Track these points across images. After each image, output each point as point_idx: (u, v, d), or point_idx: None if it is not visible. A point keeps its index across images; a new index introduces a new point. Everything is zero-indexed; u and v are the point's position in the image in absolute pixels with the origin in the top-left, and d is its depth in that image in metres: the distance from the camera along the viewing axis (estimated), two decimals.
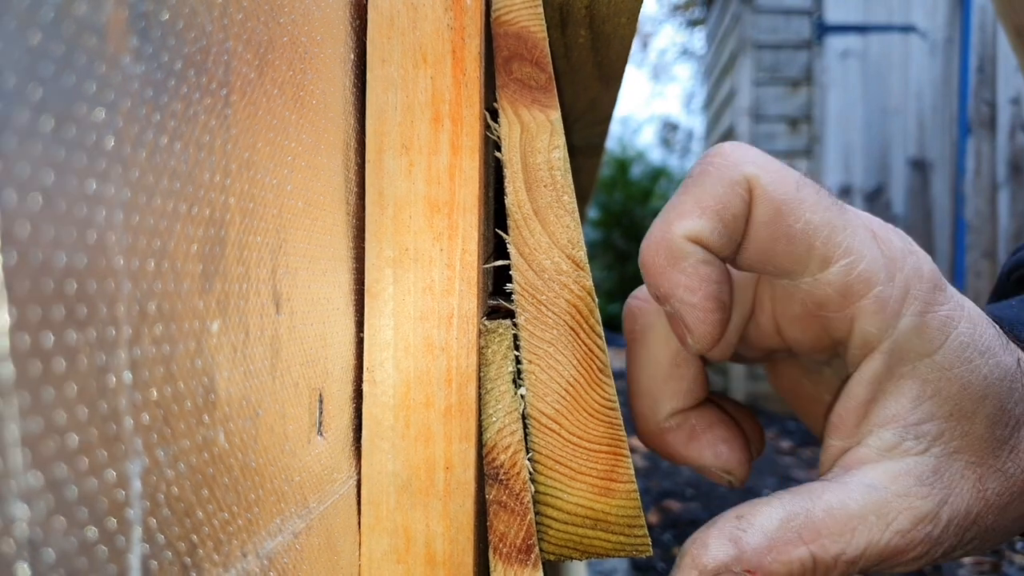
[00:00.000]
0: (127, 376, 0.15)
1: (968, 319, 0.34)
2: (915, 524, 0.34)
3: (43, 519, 0.12)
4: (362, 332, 0.32)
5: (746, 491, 2.51)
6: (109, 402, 0.14)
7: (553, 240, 0.34)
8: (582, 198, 1.13)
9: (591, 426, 0.34)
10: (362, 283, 0.32)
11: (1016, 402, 0.34)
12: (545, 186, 0.34)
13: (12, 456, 0.12)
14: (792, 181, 0.32)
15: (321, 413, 0.28)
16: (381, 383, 0.32)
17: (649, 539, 0.34)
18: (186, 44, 0.17)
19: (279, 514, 0.24)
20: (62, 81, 0.13)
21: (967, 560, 1.94)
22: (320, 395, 0.28)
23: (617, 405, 0.34)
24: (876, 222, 0.35)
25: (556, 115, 0.34)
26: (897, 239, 0.34)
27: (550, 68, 0.34)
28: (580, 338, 0.34)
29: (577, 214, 0.34)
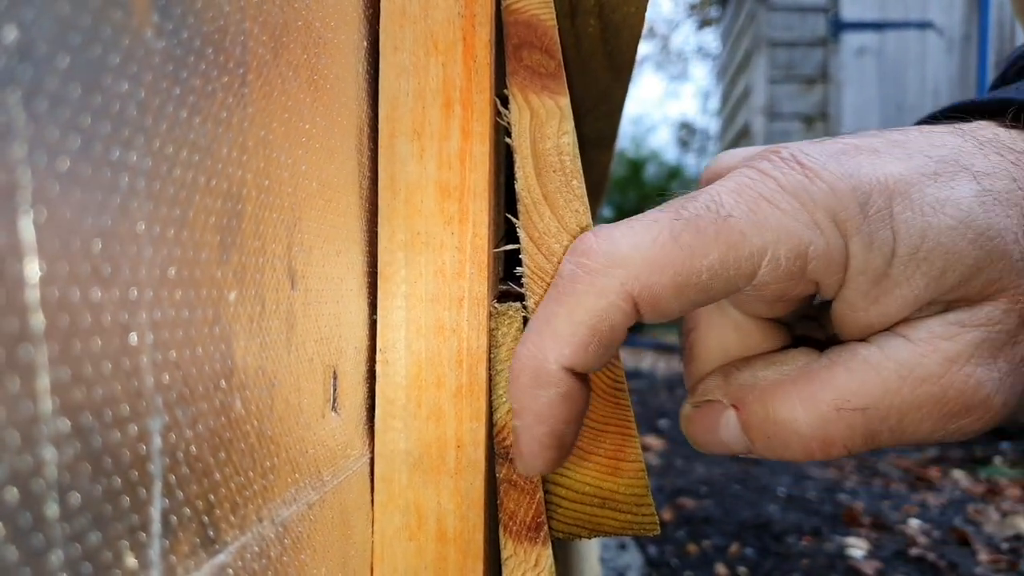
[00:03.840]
0: (149, 336, 0.16)
1: (896, 191, 0.30)
2: (948, 366, 0.30)
3: (71, 463, 0.13)
4: (375, 314, 0.33)
5: (761, 489, 2.51)
6: (132, 359, 0.15)
7: (562, 224, 0.34)
8: (595, 193, 1.13)
9: (599, 407, 0.35)
10: (375, 266, 0.33)
11: (1011, 206, 0.31)
12: (554, 171, 0.34)
13: (43, 402, 0.12)
14: (670, 245, 0.30)
15: (335, 390, 0.29)
16: (393, 363, 0.33)
17: (656, 518, 0.35)
18: (204, 23, 0.18)
19: (294, 484, 0.24)
20: (89, 51, 0.14)
21: (984, 558, 1.93)
22: (335, 372, 0.29)
23: (625, 387, 0.35)
24: (766, 178, 0.31)
25: (565, 101, 0.34)
26: (795, 174, 0.31)
27: (559, 55, 0.35)
28: None
29: (586, 199, 0.35)
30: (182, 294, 0.17)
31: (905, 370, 0.31)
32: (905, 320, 0.32)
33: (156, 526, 0.16)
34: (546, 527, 0.33)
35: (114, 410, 0.14)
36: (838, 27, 4.36)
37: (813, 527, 2.11)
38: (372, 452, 0.33)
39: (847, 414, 0.31)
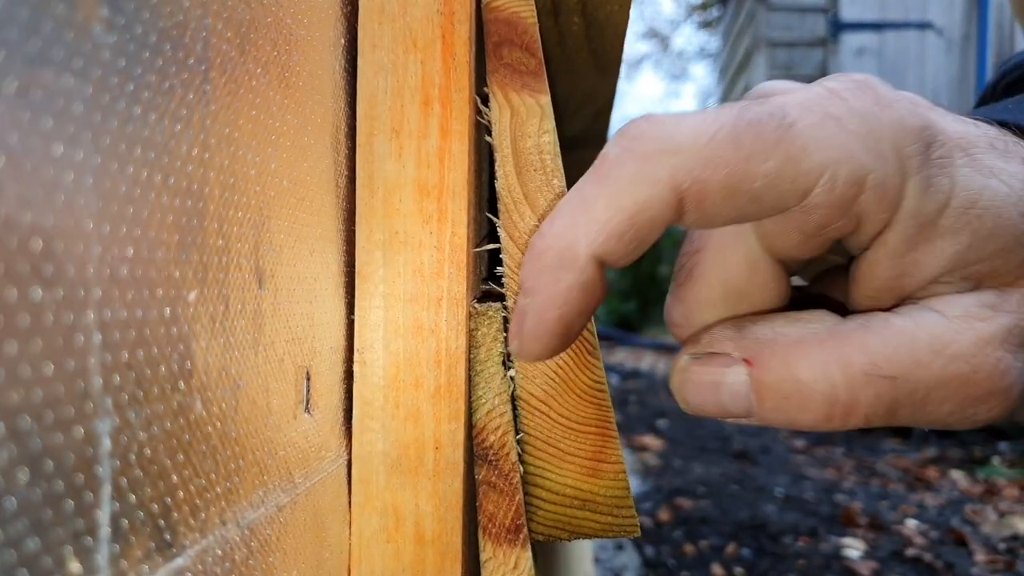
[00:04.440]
0: (96, 336, 0.15)
1: (958, 145, 0.30)
2: (981, 347, 0.29)
3: (5, 467, 0.13)
4: (353, 314, 0.33)
5: (758, 489, 2.50)
6: (77, 360, 0.15)
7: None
8: None
9: (580, 407, 0.34)
10: (353, 265, 0.33)
11: None
12: (535, 170, 0.34)
13: None
14: (728, 142, 0.28)
15: (308, 391, 0.29)
16: (371, 364, 0.32)
17: (637, 520, 0.34)
18: (161, 18, 0.18)
19: (261, 486, 0.24)
20: (28, 46, 0.13)
21: (980, 558, 1.93)
22: (308, 373, 0.28)
23: (606, 387, 0.35)
24: (836, 98, 0.30)
25: (546, 99, 0.34)
26: (866, 99, 0.30)
27: (540, 53, 0.34)
28: None
29: None
30: (135, 294, 0.17)
31: (939, 344, 0.30)
32: (937, 294, 0.30)
33: (104, 530, 0.16)
34: (526, 529, 0.33)
35: (56, 412, 0.14)
36: (838, 27, 4.36)
37: (810, 527, 2.11)
38: (350, 454, 0.32)
39: (876, 380, 0.29)
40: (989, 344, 0.29)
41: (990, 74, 4.08)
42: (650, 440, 3.36)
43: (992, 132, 0.31)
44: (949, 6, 4.25)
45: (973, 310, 0.30)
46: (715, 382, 0.30)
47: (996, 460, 3.10)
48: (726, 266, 0.33)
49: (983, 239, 0.29)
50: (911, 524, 2.21)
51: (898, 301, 0.31)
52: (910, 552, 1.93)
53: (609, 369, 6.68)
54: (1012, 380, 0.30)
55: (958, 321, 0.29)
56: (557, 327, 0.29)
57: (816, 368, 0.29)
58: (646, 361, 7.53)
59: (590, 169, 0.29)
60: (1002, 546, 2.04)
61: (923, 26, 4.25)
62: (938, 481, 2.77)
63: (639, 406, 4.38)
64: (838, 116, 0.29)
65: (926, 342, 0.29)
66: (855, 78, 0.30)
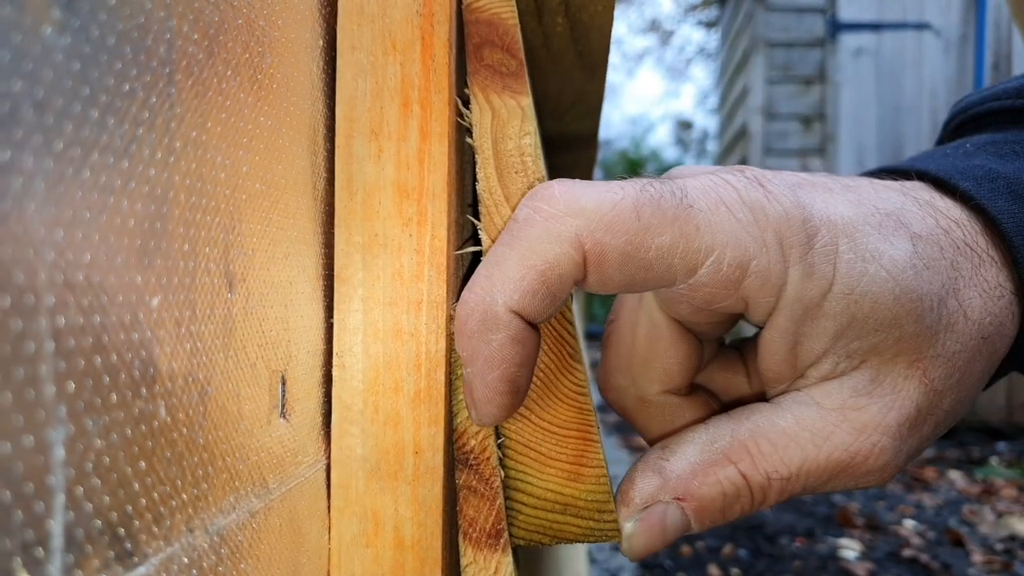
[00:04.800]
0: (49, 344, 0.15)
1: (843, 232, 0.32)
2: (856, 436, 0.33)
3: None
4: (331, 317, 0.32)
5: None
6: (27, 368, 0.15)
7: None
8: None
9: (561, 411, 0.34)
10: (331, 268, 0.32)
11: (935, 274, 0.33)
12: (516, 172, 0.34)
13: None
14: (630, 212, 0.30)
15: (284, 395, 0.28)
16: (350, 368, 0.32)
17: (619, 524, 0.34)
18: (120, 20, 0.18)
19: (233, 492, 0.24)
20: None
21: (977, 559, 1.92)
22: (283, 377, 0.28)
23: (588, 391, 0.34)
24: (730, 188, 0.32)
25: (527, 101, 0.34)
26: (756, 192, 0.32)
27: (521, 55, 0.34)
28: (551, 324, 0.34)
29: None
30: (92, 300, 0.17)
31: (819, 439, 0.34)
32: (823, 378, 0.34)
33: (57, 540, 0.15)
34: (506, 534, 0.33)
35: (4, 421, 0.14)
36: (835, 28, 4.35)
37: (807, 528, 2.11)
38: (329, 458, 0.32)
39: (777, 482, 0.34)
40: (862, 432, 0.33)
41: (988, 74, 4.08)
42: (642, 441, 3.36)
43: (885, 209, 0.34)
44: (947, 7, 4.25)
45: (850, 400, 0.33)
46: (660, 529, 0.34)
47: (994, 460, 3.10)
48: (633, 334, 0.37)
49: (861, 321, 0.32)
50: (908, 524, 2.21)
51: (793, 373, 0.34)
52: (907, 553, 1.93)
53: None
54: (886, 460, 0.34)
55: (835, 414, 0.34)
56: (502, 386, 0.31)
57: (734, 483, 0.34)
58: None
59: (504, 231, 0.31)
60: (999, 546, 2.03)
61: (921, 27, 4.25)
62: (936, 481, 2.77)
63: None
64: (730, 205, 0.32)
65: (808, 439, 0.33)
66: (747, 173, 0.33)
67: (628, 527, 0.34)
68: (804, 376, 0.34)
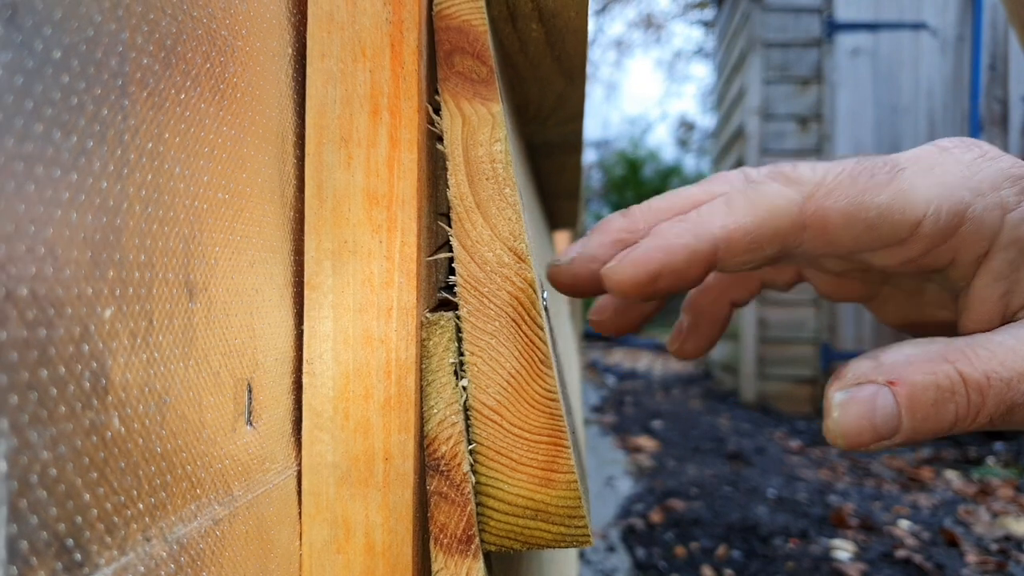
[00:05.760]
0: None
1: None
2: None
3: None
4: (302, 324, 0.32)
5: (751, 491, 2.50)
6: None
7: (495, 232, 0.34)
8: (569, 194, 1.13)
9: (532, 417, 0.34)
10: (302, 275, 0.32)
11: None
12: (487, 179, 0.34)
13: None
14: (847, 179, 0.34)
15: (250, 403, 0.28)
16: (320, 375, 0.32)
17: (590, 530, 0.34)
18: (66, 34, 0.18)
19: (194, 500, 0.24)
20: None
21: (971, 559, 1.92)
22: (249, 385, 0.28)
23: (559, 396, 0.34)
24: (943, 152, 0.35)
25: (498, 108, 0.34)
26: (971, 153, 0.35)
27: (491, 61, 0.34)
28: (522, 330, 0.34)
29: (520, 207, 0.34)
30: (37, 313, 0.17)
31: None
32: None
33: (0, 553, 0.16)
34: (477, 539, 0.33)
35: None
36: (832, 28, 4.36)
37: (801, 529, 2.11)
38: (299, 465, 0.32)
39: (996, 383, 0.33)
40: None
41: (985, 74, 4.08)
42: (644, 441, 3.36)
43: None
44: (943, 7, 4.25)
45: None
46: (869, 410, 0.34)
47: (991, 460, 3.10)
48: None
49: None
50: (903, 525, 2.21)
51: (1003, 321, 0.36)
52: (900, 553, 1.93)
53: (606, 370, 6.68)
54: None
55: None
56: (652, 267, 0.34)
57: (949, 377, 0.33)
58: (643, 362, 7.53)
59: (741, 186, 0.36)
60: (994, 547, 2.04)
61: (917, 27, 4.25)
62: (932, 481, 2.77)
63: (635, 407, 4.38)
64: (944, 164, 0.35)
65: None
66: (964, 139, 0.36)
67: (838, 396, 0.34)
68: (1015, 319, 0.36)
